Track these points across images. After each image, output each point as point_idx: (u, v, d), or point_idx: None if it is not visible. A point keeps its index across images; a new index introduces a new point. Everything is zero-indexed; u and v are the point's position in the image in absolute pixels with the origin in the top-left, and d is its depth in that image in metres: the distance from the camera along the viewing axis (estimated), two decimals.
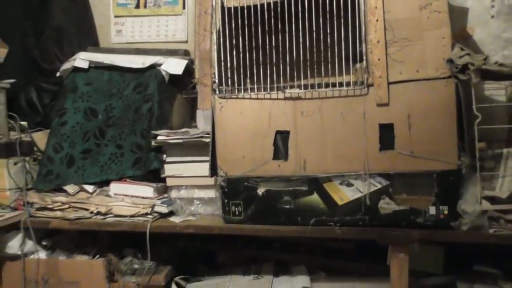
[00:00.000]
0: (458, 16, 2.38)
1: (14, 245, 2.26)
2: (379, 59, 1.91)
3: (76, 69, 2.54)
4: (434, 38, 1.88)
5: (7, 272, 2.31)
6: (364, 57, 1.93)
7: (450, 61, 1.84)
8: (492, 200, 1.86)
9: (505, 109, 2.01)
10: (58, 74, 2.61)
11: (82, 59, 2.52)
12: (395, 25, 1.90)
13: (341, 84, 1.95)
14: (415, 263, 2.01)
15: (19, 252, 2.26)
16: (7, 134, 2.44)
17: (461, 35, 2.41)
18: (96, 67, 2.54)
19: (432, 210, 1.90)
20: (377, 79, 1.91)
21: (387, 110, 1.92)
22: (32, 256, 2.28)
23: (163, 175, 2.29)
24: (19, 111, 2.58)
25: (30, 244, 2.27)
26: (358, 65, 1.95)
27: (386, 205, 1.93)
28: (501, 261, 2.11)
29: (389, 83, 1.91)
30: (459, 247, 2.08)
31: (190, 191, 2.25)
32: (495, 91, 2.09)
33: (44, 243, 2.35)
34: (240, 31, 2.03)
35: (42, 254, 2.31)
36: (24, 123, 2.54)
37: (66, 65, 2.57)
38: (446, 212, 1.89)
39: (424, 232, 1.91)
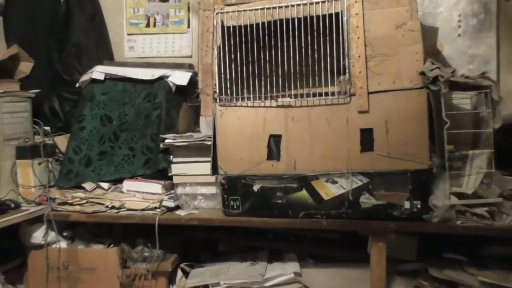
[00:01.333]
0: (429, 35, 2.39)
1: (38, 236, 2.25)
2: (360, 72, 1.91)
3: (93, 81, 2.52)
4: (409, 54, 1.88)
5: (32, 260, 2.30)
6: (347, 70, 1.92)
7: (422, 73, 1.84)
8: (459, 195, 1.86)
9: (470, 116, 2.01)
10: (77, 85, 2.60)
11: (98, 72, 2.51)
12: (374, 42, 1.90)
13: (327, 94, 1.95)
14: (391, 251, 2.00)
15: (43, 242, 2.24)
16: (32, 138, 2.44)
17: (431, 51, 2.42)
18: (111, 78, 2.52)
19: (407, 205, 1.89)
20: (358, 89, 1.91)
21: (367, 116, 1.92)
22: (54, 246, 2.27)
23: (170, 174, 2.28)
24: (43, 117, 2.58)
25: (52, 235, 2.26)
26: (341, 77, 1.94)
27: (367, 200, 1.93)
28: (467, 249, 2.10)
29: (369, 93, 1.91)
30: (430, 237, 2.08)
31: (194, 188, 2.24)
32: (462, 100, 2.09)
33: (64, 234, 2.34)
34: (238, 47, 2.03)
35: (63, 244, 2.29)
36: (47, 128, 2.55)
37: (85, 77, 2.56)
38: (419, 206, 1.89)
39: (400, 223, 1.91)
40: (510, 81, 2.41)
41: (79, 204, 2.27)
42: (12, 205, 2.19)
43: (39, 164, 2.33)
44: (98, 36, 2.86)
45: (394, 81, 1.89)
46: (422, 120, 1.87)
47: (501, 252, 2.08)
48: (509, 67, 2.42)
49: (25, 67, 2.58)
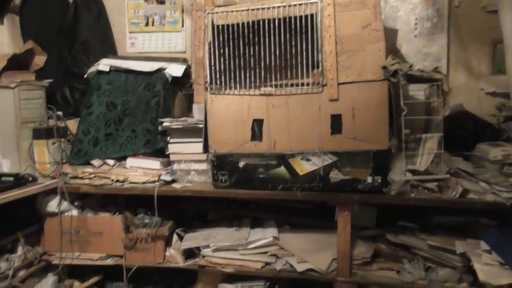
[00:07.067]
0: (390, 35, 2.39)
1: (53, 205, 2.22)
2: (331, 65, 1.90)
3: (100, 72, 2.47)
4: (373, 50, 1.87)
5: (48, 225, 2.28)
6: (320, 64, 1.91)
7: (384, 67, 1.84)
8: (413, 172, 1.87)
9: (423, 105, 2.01)
10: (85, 76, 2.54)
11: (104, 64, 2.46)
12: (344, 39, 1.89)
13: (302, 84, 1.94)
14: (355, 219, 2.00)
15: (57, 211, 2.22)
16: (47, 121, 2.39)
17: (392, 50, 2.42)
18: (115, 70, 2.47)
19: (369, 179, 1.90)
20: (329, 80, 1.90)
21: (337, 104, 1.91)
22: (66, 214, 2.25)
23: (167, 152, 2.25)
24: (56, 104, 2.53)
25: (65, 204, 2.23)
26: (315, 70, 1.93)
27: (335, 176, 1.93)
28: (418, 218, 2.13)
29: (338, 84, 1.90)
30: (388, 208, 2.10)
31: (188, 164, 2.22)
32: (417, 92, 2.08)
33: (76, 203, 2.31)
34: (226, 43, 2.00)
35: (74, 212, 2.27)
36: (59, 113, 2.49)
37: (92, 69, 2.50)
38: (379, 181, 1.90)
39: (363, 196, 1.92)
40: (458, 76, 2.43)
41: (88, 178, 2.24)
42: (30, 178, 2.15)
43: (53, 143, 2.29)
44: (103, 34, 2.80)
45: (360, 74, 1.88)
46: (383, 107, 1.87)
47: (446, 221, 2.11)
48: (457, 65, 2.43)
49: (39, 60, 2.53)
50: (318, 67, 1.92)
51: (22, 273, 2.13)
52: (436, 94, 1.91)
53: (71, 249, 2.25)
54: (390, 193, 1.89)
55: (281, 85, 1.97)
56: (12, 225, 2.14)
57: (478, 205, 1.80)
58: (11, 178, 2.06)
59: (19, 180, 2.09)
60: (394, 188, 1.87)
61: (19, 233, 2.15)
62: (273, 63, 1.97)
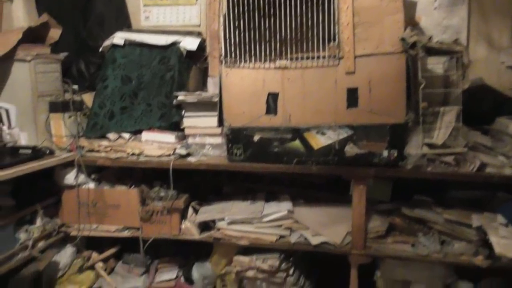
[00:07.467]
0: (408, 7, 2.31)
1: (70, 178, 2.25)
2: (348, 38, 1.87)
3: (114, 46, 2.47)
4: (391, 22, 1.83)
5: (66, 198, 2.31)
6: (337, 36, 1.88)
7: (402, 39, 1.80)
8: (431, 146, 1.85)
9: (442, 78, 1.97)
10: (100, 49, 2.54)
11: (119, 37, 2.46)
12: (361, 11, 1.85)
13: (318, 57, 1.91)
14: (370, 193, 2.00)
15: (74, 183, 2.25)
16: (63, 94, 2.41)
17: (410, 23, 2.35)
18: (130, 44, 2.47)
19: (385, 153, 1.89)
20: (346, 53, 1.87)
21: (353, 77, 1.89)
22: (84, 186, 2.28)
23: (182, 126, 2.26)
24: (71, 78, 2.55)
25: (82, 177, 2.26)
26: (332, 43, 1.90)
27: (351, 149, 1.92)
28: (434, 193, 2.12)
29: (355, 57, 1.87)
30: (403, 182, 2.09)
31: (203, 138, 2.22)
32: (435, 65, 2.04)
33: (92, 176, 2.34)
34: (241, 16, 1.97)
35: (91, 185, 2.30)
36: (75, 86, 2.51)
37: (107, 42, 2.50)
38: (395, 154, 1.88)
39: (379, 169, 1.91)
40: (478, 49, 2.37)
41: (104, 151, 2.26)
42: (48, 151, 2.18)
43: (69, 117, 2.31)
44: (118, 7, 2.77)
45: (377, 46, 1.85)
46: (401, 80, 1.84)
47: (463, 196, 2.10)
48: (477, 38, 2.37)
49: (55, 33, 2.52)
50: (334, 39, 1.89)
51: (41, 244, 2.18)
52: (455, 67, 1.87)
53: (89, 221, 2.29)
54: (406, 167, 1.87)
55: (296, 58, 1.95)
56: (31, 197, 2.18)
57: (496, 178, 1.78)
58: (29, 151, 2.09)
59: (37, 153, 2.11)
60: (410, 162, 1.86)
61: (38, 205, 2.19)
62: (288, 36, 1.94)
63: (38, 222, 2.19)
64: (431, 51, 1.85)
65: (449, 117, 1.86)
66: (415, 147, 1.85)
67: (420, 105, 1.83)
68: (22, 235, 2.10)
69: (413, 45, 1.78)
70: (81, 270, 2.37)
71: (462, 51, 1.83)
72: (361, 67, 1.87)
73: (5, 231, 1.99)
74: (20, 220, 2.12)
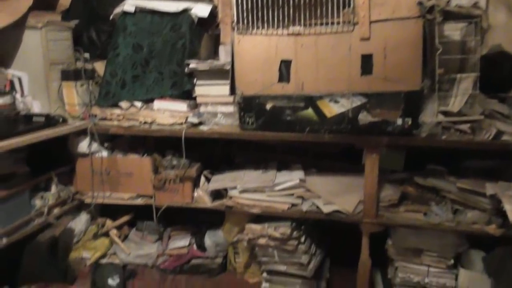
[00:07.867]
0: None
1: (83, 146, 2.27)
2: (363, 3, 1.81)
3: (125, 13, 2.43)
4: None
5: (79, 166, 2.34)
6: (352, 1, 1.83)
7: (420, 3, 1.75)
8: (446, 113, 1.82)
9: (459, 45, 1.93)
10: (111, 17, 2.51)
11: (129, 4, 2.42)
12: None
13: (332, 23, 1.87)
14: (383, 163, 1.98)
15: (88, 151, 2.27)
16: (74, 63, 2.40)
17: None
18: (141, 11, 2.43)
19: (399, 121, 1.86)
20: (361, 18, 1.83)
21: (368, 43, 1.84)
22: (97, 154, 2.30)
23: (194, 95, 2.25)
24: (82, 46, 2.52)
25: (95, 145, 2.28)
26: (346, 9, 1.85)
27: (364, 117, 1.90)
28: (448, 162, 2.10)
29: (370, 22, 1.82)
30: (416, 152, 2.07)
31: (215, 107, 2.22)
32: (453, 32, 1.99)
33: (105, 145, 2.36)
34: None
35: (104, 153, 2.32)
36: (87, 55, 2.50)
37: (118, 9, 2.47)
38: (409, 123, 1.85)
39: (392, 138, 1.89)
40: (497, 14, 2.28)
41: (116, 120, 2.27)
42: (61, 119, 2.19)
43: (81, 85, 2.31)
44: None
45: (394, 11, 1.79)
46: (417, 46, 1.79)
47: (478, 165, 2.07)
48: (497, 2, 2.28)
49: (65, 0, 2.49)
50: (349, 5, 1.84)
51: (56, 210, 2.22)
52: (473, 33, 1.82)
53: (102, 189, 2.32)
54: (420, 135, 1.85)
55: (310, 25, 1.90)
56: (46, 165, 2.21)
57: None
58: (42, 119, 2.10)
59: (50, 121, 2.12)
60: (424, 130, 1.83)
61: (52, 173, 2.22)
62: (302, 1, 1.89)
63: (53, 189, 2.23)
64: (449, 16, 1.80)
65: (465, 85, 1.82)
66: (430, 115, 1.83)
67: (436, 72, 1.79)
68: (37, 202, 2.13)
69: (431, 9, 1.73)
70: (95, 236, 2.42)
71: (481, 15, 1.78)
72: (376, 33, 1.82)
73: (20, 198, 2.03)
74: (35, 187, 2.15)
